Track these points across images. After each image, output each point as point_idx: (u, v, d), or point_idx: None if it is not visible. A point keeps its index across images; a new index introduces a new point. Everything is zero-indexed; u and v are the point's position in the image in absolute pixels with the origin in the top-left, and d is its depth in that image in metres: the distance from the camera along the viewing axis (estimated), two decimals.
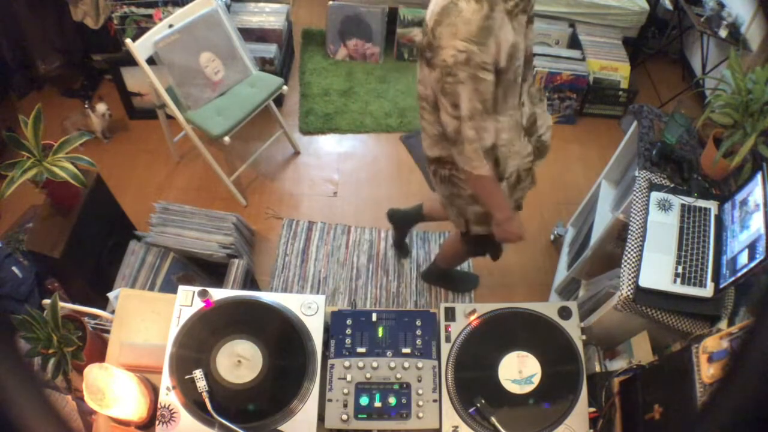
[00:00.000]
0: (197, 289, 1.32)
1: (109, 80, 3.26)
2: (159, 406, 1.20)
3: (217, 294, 1.34)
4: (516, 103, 1.50)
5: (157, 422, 1.19)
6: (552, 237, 2.81)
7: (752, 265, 1.37)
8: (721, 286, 1.48)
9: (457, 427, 1.23)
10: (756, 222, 1.43)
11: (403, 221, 2.53)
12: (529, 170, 1.71)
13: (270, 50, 3.14)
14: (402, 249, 2.70)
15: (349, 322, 1.34)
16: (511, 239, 1.71)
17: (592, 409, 1.26)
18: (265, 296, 1.35)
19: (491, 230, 1.73)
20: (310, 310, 1.33)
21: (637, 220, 1.66)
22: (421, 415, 1.24)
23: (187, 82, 2.50)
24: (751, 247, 1.40)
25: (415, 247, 2.75)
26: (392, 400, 1.25)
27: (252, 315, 1.33)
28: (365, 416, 1.24)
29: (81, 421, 1.31)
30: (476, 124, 1.38)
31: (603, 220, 2.12)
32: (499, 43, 1.31)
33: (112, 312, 1.42)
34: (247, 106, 2.59)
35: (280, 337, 1.30)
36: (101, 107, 2.96)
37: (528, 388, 1.27)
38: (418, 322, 1.35)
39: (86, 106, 2.99)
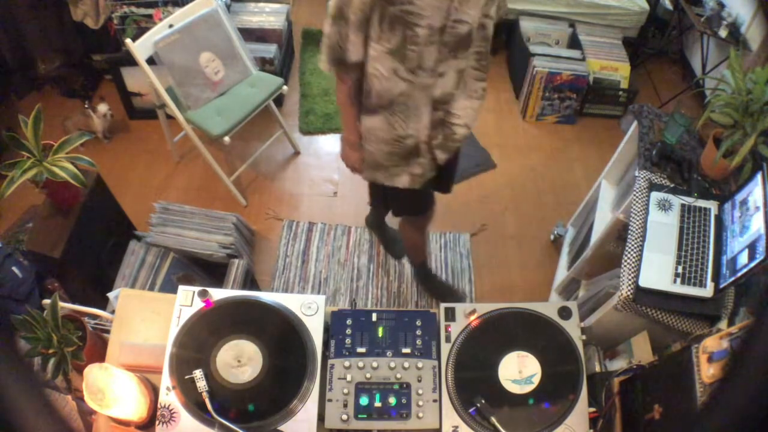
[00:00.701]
0: (197, 289, 1.32)
1: (109, 80, 3.26)
2: (159, 406, 1.20)
3: (217, 294, 1.34)
4: (426, 64, 1.50)
5: (157, 422, 1.19)
6: (552, 237, 2.81)
7: (752, 265, 1.37)
8: (721, 286, 1.48)
9: (457, 427, 1.23)
10: (756, 222, 1.43)
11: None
12: (427, 145, 1.70)
13: (270, 50, 3.14)
14: (380, 230, 2.69)
15: (349, 322, 1.34)
16: (347, 163, 1.85)
17: (592, 409, 1.26)
18: (265, 296, 1.35)
19: (393, 183, 1.81)
20: (310, 310, 1.33)
21: (637, 220, 1.66)
22: (421, 415, 1.24)
23: (187, 82, 2.50)
24: (751, 247, 1.40)
25: None
26: (392, 400, 1.25)
27: (252, 315, 1.33)
28: (365, 416, 1.24)
29: (81, 421, 1.31)
30: (338, 28, 1.47)
31: (603, 220, 2.12)
32: None
33: (112, 312, 1.42)
34: (247, 106, 2.59)
35: (280, 337, 1.30)
36: (103, 107, 2.97)
37: (528, 388, 1.27)
38: (418, 322, 1.35)
39: (86, 106, 2.99)
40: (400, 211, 2.17)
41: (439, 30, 1.45)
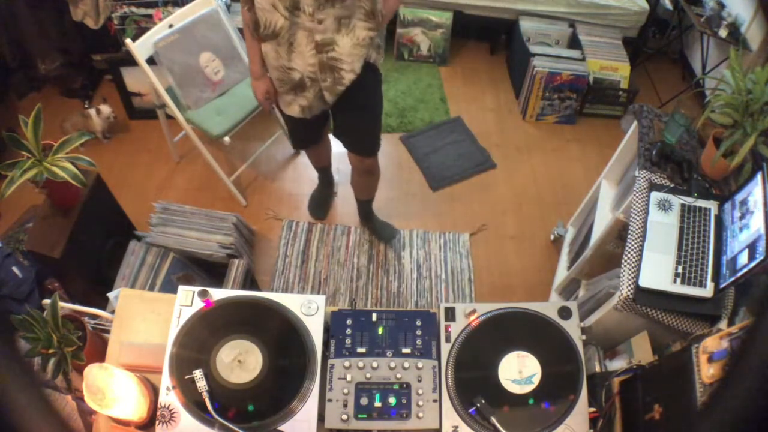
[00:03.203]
0: (197, 289, 1.32)
1: (109, 80, 3.26)
2: (159, 406, 1.20)
3: (217, 294, 1.34)
4: (304, 8, 1.67)
5: (157, 422, 1.19)
6: (552, 237, 2.81)
7: (752, 265, 1.37)
8: (721, 286, 1.48)
9: (457, 427, 1.23)
10: (756, 222, 1.43)
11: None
12: (314, 81, 1.87)
13: None
14: (368, 219, 2.78)
15: (349, 322, 1.34)
16: (255, 95, 2.06)
17: (592, 409, 1.26)
18: (265, 296, 1.35)
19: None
20: (310, 310, 1.33)
21: (637, 220, 1.66)
22: (421, 415, 1.24)
23: (187, 82, 2.50)
24: (751, 247, 1.40)
25: (415, 247, 2.76)
26: (392, 400, 1.25)
27: (252, 315, 1.33)
28: (365, 416, 1.24)
29: (81, 421, 1.31)
30: None
31: (603, 220, 2.12)
32: None
33: (112, 312, 1.42)
34: (247, 106, 2.59)
35: (280, 337, 1.30)
36: (106, 109, 2.97)
37: (528, 388, 1.27)
38: (418, 322, 1.35)
39: (86, 106, 2.99)
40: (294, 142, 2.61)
41: None
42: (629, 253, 1.60)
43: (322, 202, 2.85)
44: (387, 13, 1.86)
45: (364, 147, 2.23)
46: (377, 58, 1.93)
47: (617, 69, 3.34)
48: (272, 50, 1.83)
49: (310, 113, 2.01)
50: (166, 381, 1.22)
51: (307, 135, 2.34)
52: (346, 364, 1.29)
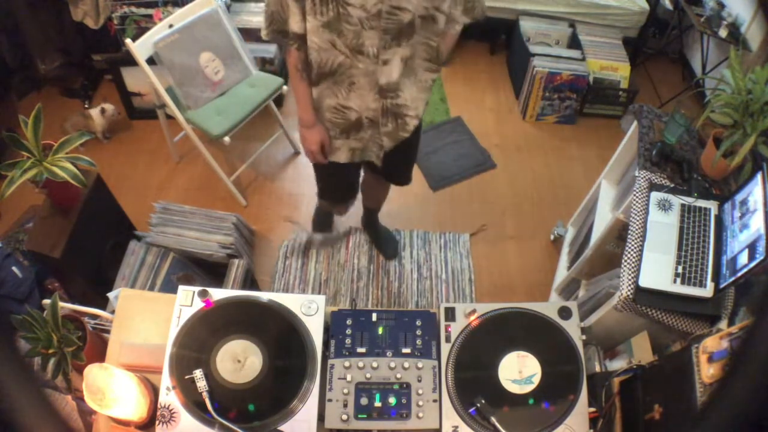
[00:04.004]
0: (197, 289, 1.32)
1: (109, 80, 3.26)
2: (159, 406, 1.20)
3: (217, 294, 1.34)
4: (368, 50, 1.50)
5: (157, 422, 1.19)
6: (552, 237, 2.81)
7: (752, 265, 1.37)
8: (721, 286, 1.48)
9: (457, 427, 1.23)
10: (756, 222, 1.43)
11: None
12: (373, 123, 1.69)
13: (270, 50, 3.14)
14: (372, 229, 2.72)
15: (349, 322, 1.34)
16: (304, 147, 1.78)
17: (592, 409, 1.26)
18: (265, 296, 1.35)
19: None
20: (310, 310, 1.33)
21: (637, 220, 1.66)
22: (421, 415, 1.24)
23: (187, 82, 2.50)
24: (751, 247, 1.40)
25: (415, 247, 2.75)
26: (392, 400, 1.25)
27: (252, 315, 1.33)
28: (365, 416, 1.24)
29: (81, 421, 1.31)
30: None
31: (603, 220, 2.12)
32: None
33: (112, 312, 1.42)
34: (247, 106, 2.59)
35: (280, 337, 1.30)
36: (110, 107, 2.97)
37: (528, 388, 1.27)
38: (418, 322, 1.35)
39: (86, 106, 2.99)
40: (322, 193, 2.20)
41: (376, 15, 1.43)
42: (629, 253, 1.60)
43: (328, 220, 2.75)
44: (445, 51, 1.66)
45: (402, 178, 2.14)
46: None
47: (617, 69, 3.34)
48: (326, 90, 1.63)
49: (360, 158, 1.81)
50: (166, 381, 1.22)
51: (348, 183, 2.09)
52: (346, 364, 1.29)
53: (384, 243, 2.70)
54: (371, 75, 1.56)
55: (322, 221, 2.71)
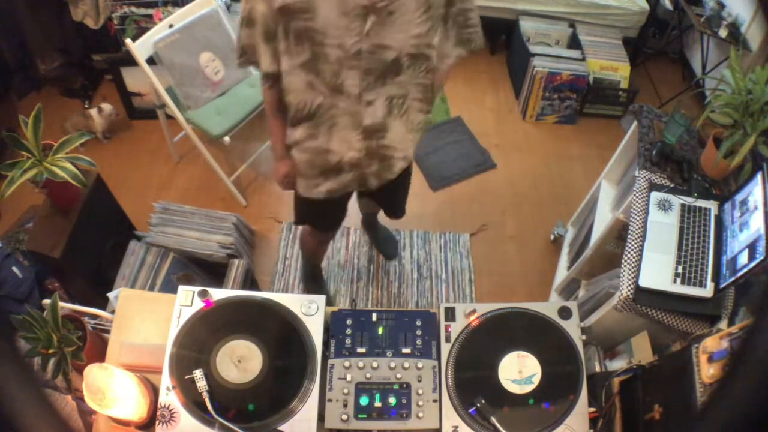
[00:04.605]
0: (197, 289, 1.32)
1: (109, 80, 3.26)
2: (159, 406, 1.20)
3: (217, 294, 1.34)
4: (350, 90, 1.39)
5: (157, 422, 1.19)
6: (552, 237, 2.81)
7: (752, 265, 1.37)
8: (721, 286, 1.48)
9: (457, 427, 1.23)
10: (756, 222, 1.43)
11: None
12: (356, 166, 1.56)
13: None
14: (372, 229, 2.66)
15: (349, 322, 1.34)
16: (275, 177, 1.73)
17: (592, 409, 1.26)
18: (265, 296, 1.35)
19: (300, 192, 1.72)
20: (310, 310, 1.33)
21: (637, 220, 1.66)
22: (421, 415, 1.24)
23: (187, 82, 2.50)
24: (751, 247, 1.40)
25: (415, 247, 2.76)
26: (392, 400, 1.25)
27: (252, 315, 1.33)
28: (365, 416, 1.24)
29: (81, 421, 1.31)
30: (248, 32, 1.39)
31: (603, 220, 2.12)
32: None
33: (112, 312, 1.42)
34: (247, 106, 2.59)
35: (280, 337, 1.30)
36: (107, 107, 2.97)
37: (528, 388, 1.27)
38: (418, 322, 1.35)
39: (86, 106, 2.99)
40: (302, 220, 2.03)
41: (355, 54, 1.32)
42: (629, 253, 1.60)
43: (317, 272, 2.53)
44: (438, 89, 1.58)
45: (396, 210, 2.08)
46: None
47: (617, 69, 3.34)
48: (305, 133, 1.51)
49: (339, 194, 1.68)
50: (166, 381, 1.22)
51: (335, 213, 1.94)
52: (346, 364, 1.29)
53: (384, 243, 2.69)
54: (354, 115, 1.44)
55: (312, 273, 2.50)
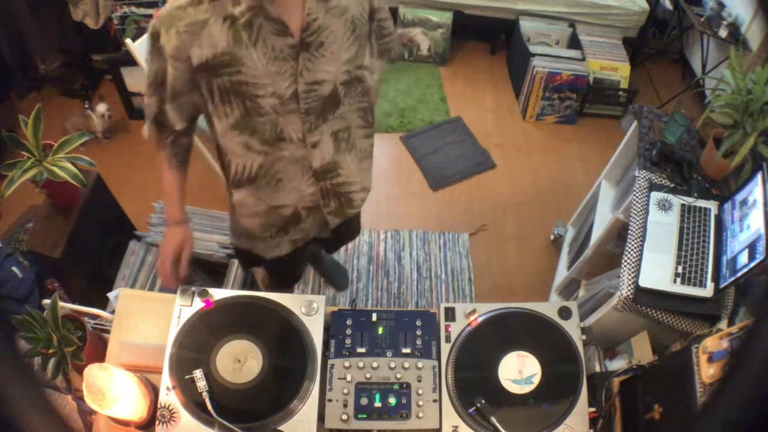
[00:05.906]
0: (197, 289, 1.32)
1: (109, 80, 3.26)
2: (159, 406, 1.20)
3: (217, 294, 1.34)
4: (291, 135, 1.31)
5: (157, 422, 1.19)
6: (552, 237, 2.81)
7: (752, 265, 1.37)
8: (721, 286, 1.48)
9: (457, 427, 1.23)
10: (756, 222, 1.43)
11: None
12: (313, 209, 1.49)
13: None
14: (317, 263, 2.52)
15: (349, 322, 1.34)
16: (163, 251, 1.43)
17: (592, 409, 1.26)
18: (265, 296, 1.35)
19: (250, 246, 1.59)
20: (310, 310, 1.32)
21: (637, 220, 1.66)
22: (421, 415, 1.24)
23: None
24: (751, 247, 1.40)
25: (415, 248, 2.75)
26: (392, 400, 1.25)
27: (252, 315, 1.33)
28: (365, 416, 1.24)
29: (81, 421, 1.31)
30: (158, 98, 1.27)
31: (603, 220, 2.12)
32: (202, 42, 1.15)
33: (112, 312, 1.42)
34: None
35: (280, 337, 1.30)
36: (101, 107, 2.96)
37: (528, 388, 1.27)
38: (418, 322, 1.35)
39: (86, 106, 2.99)
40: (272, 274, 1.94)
41: (291, 97, 1.24)
42: (629, 253, 1.60)
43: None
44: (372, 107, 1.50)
45: (338, 248, 2.00)
46: None
47: (617, 69, 3.34)
48: (249, 196, 1.42)
49: (303, 242, 1.61)
50: (166, 381, 1.22)
51: (299, 267, 1.90)
52: (346, 364, 1.29)
53: (333, 275, 2.57)
54: (301, 161, 1.36)
55: (314, 258, 2.45)
